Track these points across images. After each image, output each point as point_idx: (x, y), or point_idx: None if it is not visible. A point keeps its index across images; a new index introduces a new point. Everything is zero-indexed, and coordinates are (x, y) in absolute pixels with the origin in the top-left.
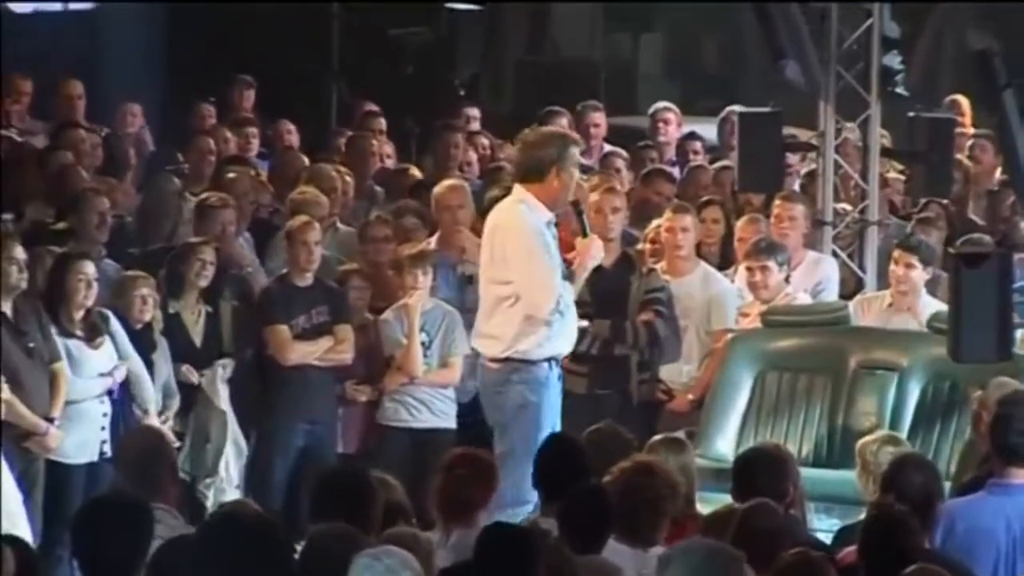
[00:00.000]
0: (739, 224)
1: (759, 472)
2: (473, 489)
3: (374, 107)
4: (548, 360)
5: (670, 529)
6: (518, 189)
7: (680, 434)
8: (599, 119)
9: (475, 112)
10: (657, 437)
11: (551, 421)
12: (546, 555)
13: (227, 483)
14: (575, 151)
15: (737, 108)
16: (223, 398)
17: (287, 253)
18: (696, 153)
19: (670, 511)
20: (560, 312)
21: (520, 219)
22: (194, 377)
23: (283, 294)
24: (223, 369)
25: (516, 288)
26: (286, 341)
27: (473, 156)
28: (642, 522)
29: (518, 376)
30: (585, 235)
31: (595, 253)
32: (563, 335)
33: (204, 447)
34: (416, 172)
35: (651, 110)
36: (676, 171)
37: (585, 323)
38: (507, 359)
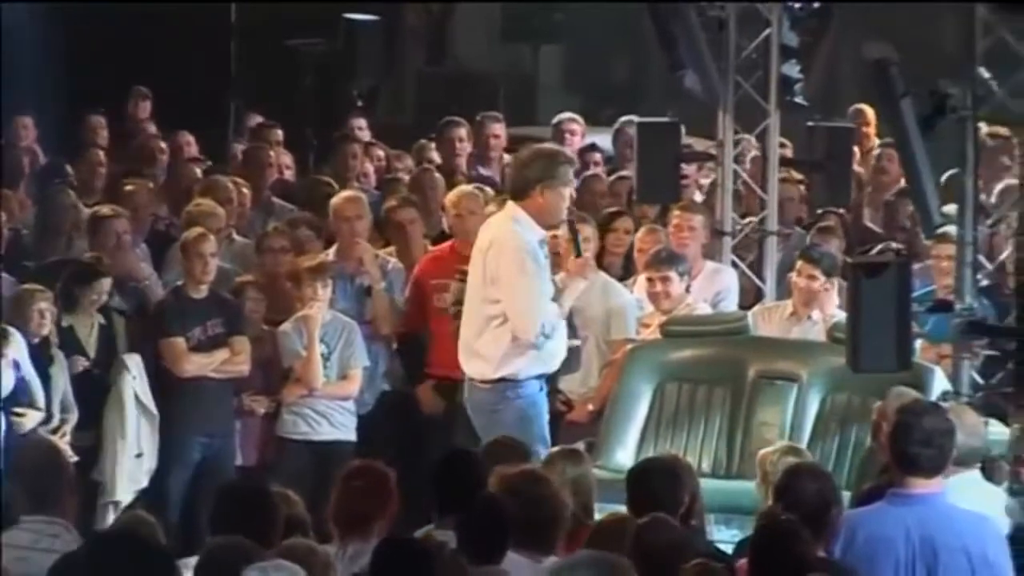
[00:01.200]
0: (638, 235)
1: (654, 483)
2: (370, 502)
3: (270, 120)
4: (538, 377)
5: (567, 540)
6: (510, 206)
7: (580, 445)
8: (499, 130)
9: (362, 122)
10: (554, 448)
11: (545, 434)
12: (443, 568)
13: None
14: (565, 169)
15: (634, 118)
16: (132, 396)
17: (182, 265)
18: (596, 164)
19: (566, 520)
20: (546, 335)
21: (513, 237)
22: (82, 364)
23: (178, 306)
24: (130, 366)
25: (504, 308)
26: (182, 353)
27: (370, 167)
28: (538, 533)
29: (513, 393)
30: (578, 254)
31: (586, 274)
32: (552, 354)
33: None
34: (333, 184)
35: (555, 120)
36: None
37: (577, 342)
38: (499, 379)
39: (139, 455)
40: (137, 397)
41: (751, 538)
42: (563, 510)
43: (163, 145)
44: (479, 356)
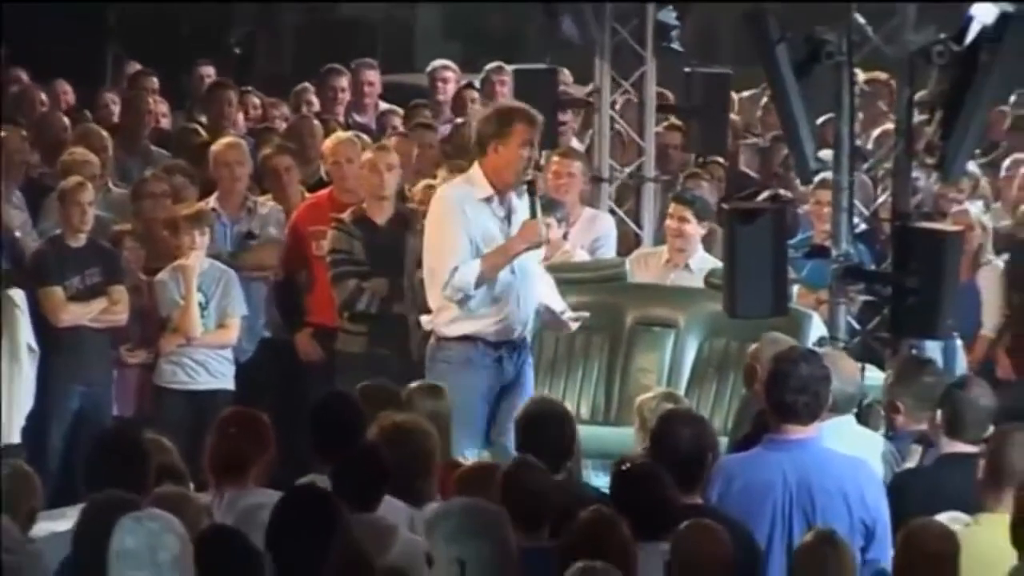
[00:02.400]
0: None
1: (546, 427)
2: (245, 449)
3: (145, 67)
4: (469, 339)
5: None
6: (474, 164)
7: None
8: (373, 77)
9: (210, 70)
10: (413, 384)
11: (473, 403)
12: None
13: None
14: (522, 127)
15: (504, 66)
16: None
17: (60, 214)
18: (473, 102)
19: (437, 466)
20: (465, 293)
21: (443, 191)
22: None
23: (56, 256)
24: (18, 301)
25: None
26: (59, 302)
27: (240, 115)
28: (414, 482)
29: (441, 354)
30: (533, 216)
31: (531, 237)
32: (498, 319)
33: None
34: (201, 132)
35: (429, 68)
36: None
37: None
38: (431, 333)
39: None
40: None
41: (609, 484)
42: (435, 460)
43: (43, 96)
44: (425, 310)
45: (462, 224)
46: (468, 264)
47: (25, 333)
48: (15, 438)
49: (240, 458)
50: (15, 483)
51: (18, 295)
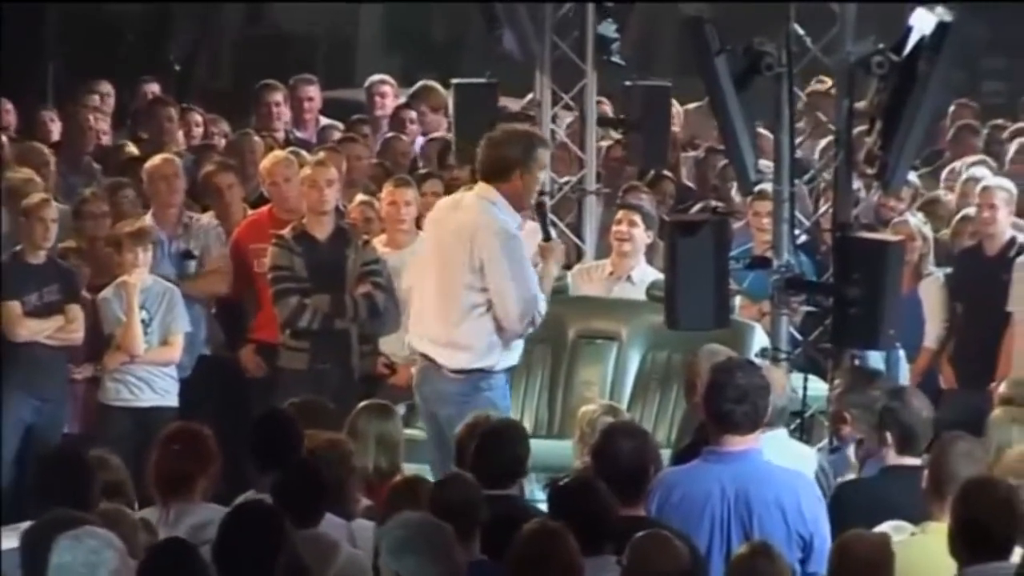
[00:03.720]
0: None
1: (502, 445)
2: (189, 463)
3: (98, 83)
4: (507, 370)
5: (372, 495)
6: (484, 188)
7: (401, 408)
8: (313, 92)
9: (155, 87)
10: (363, 403)
11: None
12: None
13: None
14: (543, 152)
15: (432, 84)
16: None
17: (22, 230)
18: (412, 122)
19: (356, 483)
20: (533, 324)
21: (498, 223)
22: None
23: (16, 271)
24: None
25: (492, 296)
26: (17, 317)
27: (180, 132)
28: (345, 494)
29: (486, 384)
30: (547, 239)
31: (560, 258)
32: (520, 345)
33: None
34: (132, 148)
35: (367, 83)
36: None
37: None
38: (475, 369)
39: None
40: None
41: (547, 499)
42: (352, 473)
43: None
44: (458, 346)
45: (526, 255)
46: (542, 295)
47: None
48: None
49: (185, 473)
50: None
51: None
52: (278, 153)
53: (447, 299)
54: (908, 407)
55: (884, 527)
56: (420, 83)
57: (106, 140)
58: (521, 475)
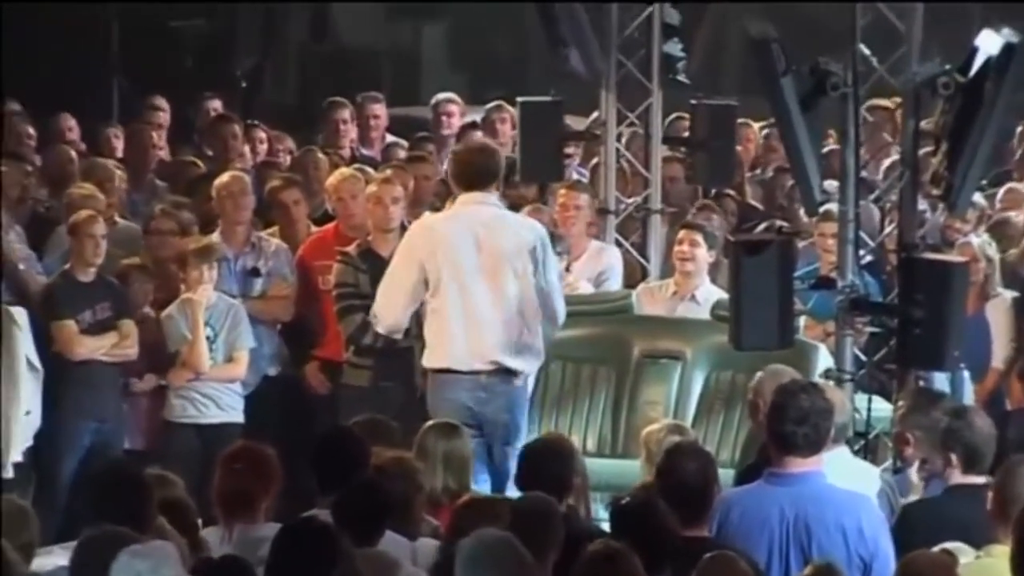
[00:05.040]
0: (523, 213)
1: (543, 462)
2: (252, 482)
3: (155, 100)
4: None
5: (439, 515)
6: (492, 196)
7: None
8: (379, 110)
9: (217, 104)
10: (430, 422)
11: None
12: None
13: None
14: None
15: (502, 104)
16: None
17: (72, 247)
18: None
19: (421, 502)
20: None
21: (543, 229)
22: None
23: (67, 289)
24: (19, 320)
25: (544, 297)
26: (73, 336)
27: (246, 148)
28: (404, 514)
29: (523, 383)
30: None
31: None
32: None
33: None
34: (200, 165)
35: (433, 101)
36: None
37: None
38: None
39: (28, 412)
40: (25, 352)
41: (609, 519)
42: (419, 492)
43: (30, 130)
44: (532, 350)
45: None
46: None
47: (24, 349)
48: (16, 456)
49: (247, 493)
50: (9, 518)
51: (19, 313)
52: (344, 170)
53: (511, 306)
54: (971, 426)
55: (946, 548)
56: (495, 102)
57: (163, 155)
58: (565, 493)
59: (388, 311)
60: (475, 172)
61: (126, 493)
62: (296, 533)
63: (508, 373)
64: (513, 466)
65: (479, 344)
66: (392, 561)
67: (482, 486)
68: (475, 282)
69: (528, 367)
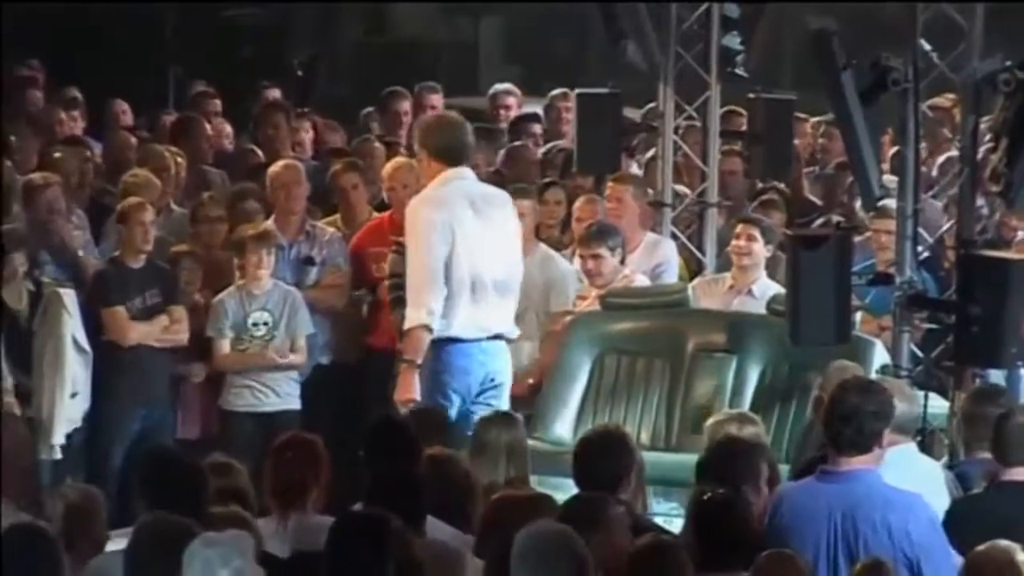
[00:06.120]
0: (576, 204)
1: (599, 456)
2: (304, 472)
3: (208, 88)
4: None
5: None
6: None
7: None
8: (436, 100)
9: (276, 93)
10: (486, 413)
11: None
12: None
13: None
14: None
15: (567, 91)
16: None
17: (120, 234)
18: (533, 135)
19: (477, 496)
20: None
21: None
22: None
23: (117, 276)
24: (67, 302)
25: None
26: (125, 322)
27: (305, 136)
28: (455, 510)
29: None
30: None
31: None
32: None
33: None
34: (258, 153)
35: (491, 92)
36: None
37: None
38: None
39: (74, 394)
40: (72, 334)
41: (689, 513)
42: (474, 487)
43: (76, 115)
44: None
45: None
46: None
47: (70, 330)
48: (60, 438)
49: (299, 482)
50: (87, 507)
51: (68, 295)
52: (399, 159)
53: (509, 274)
54: (1015, 421)
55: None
56: (558, 91)
57: (229, 144)
58: (621, 487)
59: (431, 294)
60: (461, 147)
61: (181, 481)
62: (354, 522)
63: (505, 340)
64: None
65: (485, 313)
66: (455, 551)
67: None
68: (478, 252)
69: (513, 332)
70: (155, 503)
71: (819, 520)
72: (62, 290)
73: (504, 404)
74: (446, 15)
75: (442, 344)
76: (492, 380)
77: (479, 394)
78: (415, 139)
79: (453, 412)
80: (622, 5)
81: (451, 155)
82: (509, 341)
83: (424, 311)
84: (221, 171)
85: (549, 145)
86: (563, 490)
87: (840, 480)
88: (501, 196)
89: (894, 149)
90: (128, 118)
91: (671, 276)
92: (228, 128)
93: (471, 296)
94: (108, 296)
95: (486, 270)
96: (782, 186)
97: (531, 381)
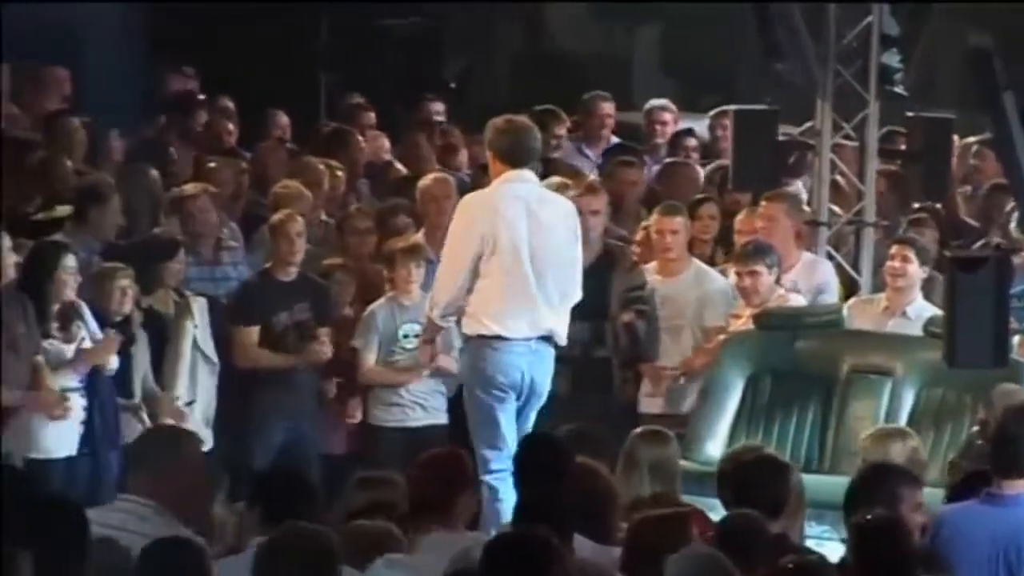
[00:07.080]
0: (738, 217)
1: (758, 479)
2: (445, 487)
3: (362, 100)
4: None
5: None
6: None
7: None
8: (610, 109)
9: (439, 107)
10: (638, 430)
11: None
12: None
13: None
14: None
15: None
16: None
17: (270, 247)
18: (690, 150)
19: (616, 508)
20: None
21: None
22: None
23: (262, 290)
24: (194, 310)
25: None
26: (248, 347)
27: (464, 151)
28: (595, 522)
29: None
30: None
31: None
32: None
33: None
34: (400, 167)
35: (647, 107)
36: None
37: None
38: None
39: (191, 403)
40: (196, 342)
41: (851, 536)
42: (614, 499)
43: (230, 126)
44: (566, 321)
45: None
46: None
47: (189, 338)
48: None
49: (441, 498)
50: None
51: (198, 303)
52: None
53: (559, 277)
54: None
55: None
56: (720, 108)
57: (387, 156)
58: (779, 511)
59: (444, 291)
60: (524, 150)
61: (299, 495)
62: (514, 541)
63: (551, 341)
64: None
65: (532, 313)
66: (604, 571)
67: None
68: (527, 253)
69: (564, 336)
70: (278, 515)
71: (981, 543)
72: (194, 298)
73: (533, 415)
74: (602, 27)
75: (488, 341)
76: (531, 386)
77: (525, 399)
78: (485, 140)
79: (505, 408)
80: (780, 20)
81: (513, 157)
82: (557, 347)
83: (436, 310)
84: (365, 181)
85: (714, 164)
86: (714, 511)
87: (1005, 504)
88: (561, 203)
89: None
90: (286, 132)
91: (832, 296)
92: (386, 142)
93: (515, 295)
94: (246, 312)
95: (534, 271)
96: (938, 206)
97: (679, 372)
